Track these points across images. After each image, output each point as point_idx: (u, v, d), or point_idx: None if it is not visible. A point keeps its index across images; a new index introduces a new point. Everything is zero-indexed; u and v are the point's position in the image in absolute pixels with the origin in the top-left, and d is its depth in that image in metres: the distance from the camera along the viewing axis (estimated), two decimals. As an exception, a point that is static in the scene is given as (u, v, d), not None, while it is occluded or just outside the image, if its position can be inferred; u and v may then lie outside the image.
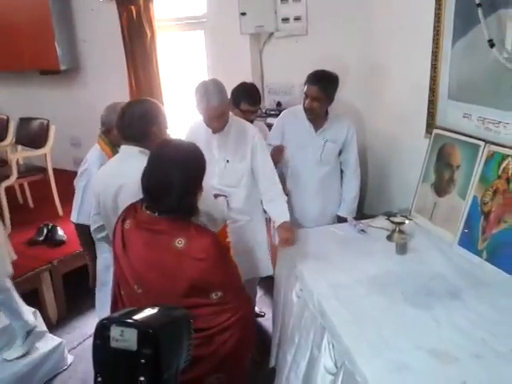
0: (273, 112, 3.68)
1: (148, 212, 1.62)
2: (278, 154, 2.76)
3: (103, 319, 0.98)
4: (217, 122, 2.31)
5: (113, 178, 1.97)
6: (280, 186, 2.50)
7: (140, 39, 4.27)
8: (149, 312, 1.02)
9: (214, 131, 2.36)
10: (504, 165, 2.03)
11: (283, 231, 2.40)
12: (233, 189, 2.45)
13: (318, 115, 2.72)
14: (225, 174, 2.43)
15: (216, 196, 2.37)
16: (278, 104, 3.85)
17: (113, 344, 0.93)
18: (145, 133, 1.98)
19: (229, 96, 2.49)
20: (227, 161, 2.41)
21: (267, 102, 3.99)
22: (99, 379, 0.94)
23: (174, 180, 1.57)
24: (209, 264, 1.57)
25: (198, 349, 1.62)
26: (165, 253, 1.57)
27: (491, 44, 2.02)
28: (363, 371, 1.47)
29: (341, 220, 2.85)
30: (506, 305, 1.77)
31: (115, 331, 0.93)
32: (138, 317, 0.97)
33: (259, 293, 3.27)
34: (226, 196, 2.39)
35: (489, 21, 2.05)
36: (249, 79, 3.48)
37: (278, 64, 3.89)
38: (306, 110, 2.69)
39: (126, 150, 2.02)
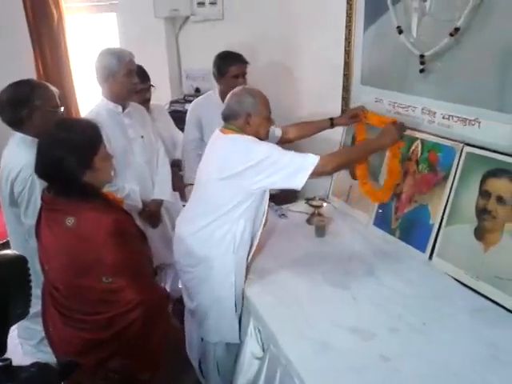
0: (191, 98, 3.59)
1: (47, 193, 1.66)
2: None
3: None
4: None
5: (4, 166, 2.06)
6: None
7: (46, 21, 3.98)
8: None
9: None
10: (413, 147, 2.13)
11: None
12: None
13: None
14: None
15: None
16: (197, 90, 3.79)
17: None
18: (16, 119, 1.97)
19: None
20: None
21: (185, 88, 3.90)
22: None
23: (57, 160, 1.55)
24: (95, 245, 1.55)
25: (97, 332, 1.61)
26: (59, 231, 1.59)
27: (399, 30, 2.10)
28: (287, 353, 1.50)
29: None
30: (417, 280, 1.87)
31: None
32: None
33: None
34: None
35: (397, 8, 2.12)
36: (165, 64, 3.38)
37: (195, 49, 3.82)
38: None
39: (13, 136, 2.06)
